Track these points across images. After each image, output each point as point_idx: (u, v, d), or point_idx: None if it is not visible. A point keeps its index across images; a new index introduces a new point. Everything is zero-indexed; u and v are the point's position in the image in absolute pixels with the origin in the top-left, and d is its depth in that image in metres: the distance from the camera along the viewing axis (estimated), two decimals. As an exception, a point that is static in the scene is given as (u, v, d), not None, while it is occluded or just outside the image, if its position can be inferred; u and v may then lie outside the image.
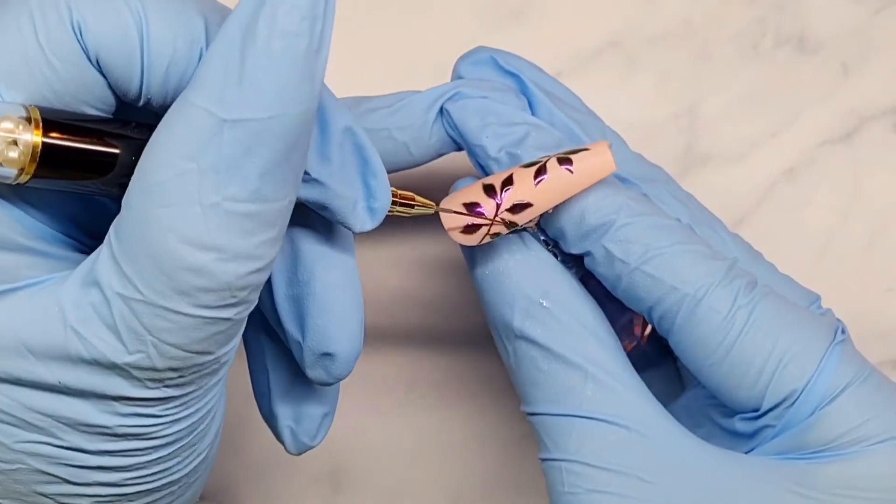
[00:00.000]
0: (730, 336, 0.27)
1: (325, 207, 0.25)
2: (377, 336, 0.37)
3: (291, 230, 0.26)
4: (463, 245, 0.28)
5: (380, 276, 0.37)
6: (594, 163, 0.27)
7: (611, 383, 0.27)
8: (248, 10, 0.21)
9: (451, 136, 0.30)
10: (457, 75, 0.31)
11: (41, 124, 0.22)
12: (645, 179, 0.31)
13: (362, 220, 0.25)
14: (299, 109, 0.22)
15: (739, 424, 0.28)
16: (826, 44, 0.38)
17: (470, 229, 0.28)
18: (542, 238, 0.29)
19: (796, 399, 0.27)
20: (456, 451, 0.38)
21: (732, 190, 0.37)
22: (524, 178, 0.28)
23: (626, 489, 0.27)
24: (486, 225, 0.28)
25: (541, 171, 0.27)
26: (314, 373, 0.27)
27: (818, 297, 0.30)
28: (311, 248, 0.27)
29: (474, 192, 0.28)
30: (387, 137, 0.30)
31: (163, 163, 0.22)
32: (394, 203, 0.27)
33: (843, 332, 0.28)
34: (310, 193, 0.25)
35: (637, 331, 0.32)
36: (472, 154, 0.30)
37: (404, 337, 0.38)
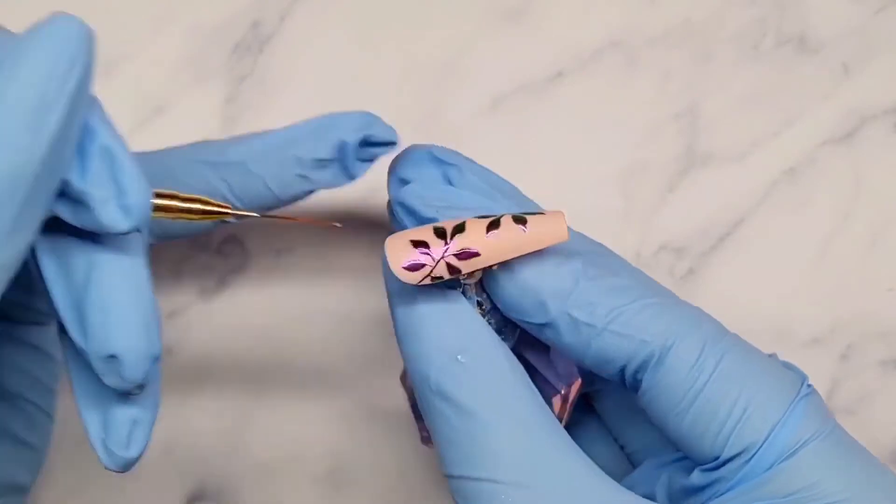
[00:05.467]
0: (697, 384, 0.26)
1: (82, 217, 0.25)
2: (378, 337, 0.37)
3: (63, 239, 0.26)
4: (397, 283, 0.28)
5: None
6: (548, 227, 0.27)
7: (532, 444, 0.26)
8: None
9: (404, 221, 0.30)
10: (396, 177, 0.31)
11: None
12: (592, 253, 0.31)
13: (115, 220, 0.24)
14: (17, 158, 0.22)
15: (696, 477, 0.27)
16: (826, 44, 0.38)
17: (412, 268, 0.27)
18: (478, 300, 0.28)
19: (757, 450, 0.26)
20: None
21: (732, 190, 0.37)
22: (476, 227, 0.27)
23: None
24: (429, 265, 0.27)
25: (494, 224, 0.27)
26: (108, 379, 0.26)
27: (775, 354, 0.29)
28: (84, 254, 0.26)
29: (424, 233, 0.27)
30: (244, 171, 0.30)
31: None
32: (169, 208, 0.26)
33: (810, 385, 0.27)
34: (64, 209, 0.25)
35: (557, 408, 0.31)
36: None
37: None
